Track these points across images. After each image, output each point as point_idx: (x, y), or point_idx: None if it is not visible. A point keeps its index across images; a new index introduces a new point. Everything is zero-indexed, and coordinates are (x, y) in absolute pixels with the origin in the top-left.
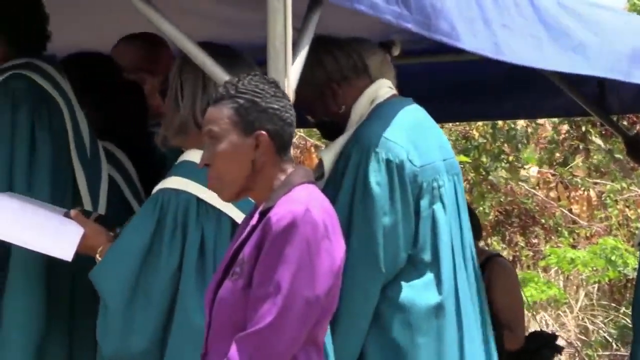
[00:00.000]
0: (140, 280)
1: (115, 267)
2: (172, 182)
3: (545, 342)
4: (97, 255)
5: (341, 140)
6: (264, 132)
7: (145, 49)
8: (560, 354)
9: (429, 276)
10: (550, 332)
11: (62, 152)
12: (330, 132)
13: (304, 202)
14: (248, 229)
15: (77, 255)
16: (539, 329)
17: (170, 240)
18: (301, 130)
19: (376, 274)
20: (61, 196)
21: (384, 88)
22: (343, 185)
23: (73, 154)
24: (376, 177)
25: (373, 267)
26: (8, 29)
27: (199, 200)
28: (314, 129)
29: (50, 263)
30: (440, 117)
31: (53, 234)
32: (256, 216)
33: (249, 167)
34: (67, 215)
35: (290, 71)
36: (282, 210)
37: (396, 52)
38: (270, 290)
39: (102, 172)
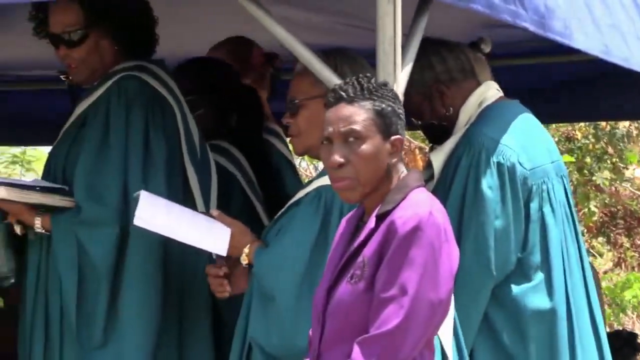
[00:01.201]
0: (307, 275)
1: (285, 263)
2: None
3: (626, 341)
4: (244, 255)
5: (451, 143)
6: (401, 137)
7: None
8: None
9: (539, 279)
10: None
11: (175, 152)
12: (436, 134)
13: (427, 206)
14: (366, 231)
15: (184, 254)
16: (628, 329)
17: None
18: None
19: (487, 277)
20: (175, 196)
21: (492, 90)
22: (453, 187)
23: (185, 154)
24: (487, 180)
25: (484, 270)
26: (119, 33)
27: None
28: (418, 131)
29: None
30: (543, 118)
31: (205, 230)
32: (373, 219)
33: (384, 169)
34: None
35: (399, 75)
36: (408, 214)
37: (487, 49)
38: (396, 293)
39: (211, 173)
